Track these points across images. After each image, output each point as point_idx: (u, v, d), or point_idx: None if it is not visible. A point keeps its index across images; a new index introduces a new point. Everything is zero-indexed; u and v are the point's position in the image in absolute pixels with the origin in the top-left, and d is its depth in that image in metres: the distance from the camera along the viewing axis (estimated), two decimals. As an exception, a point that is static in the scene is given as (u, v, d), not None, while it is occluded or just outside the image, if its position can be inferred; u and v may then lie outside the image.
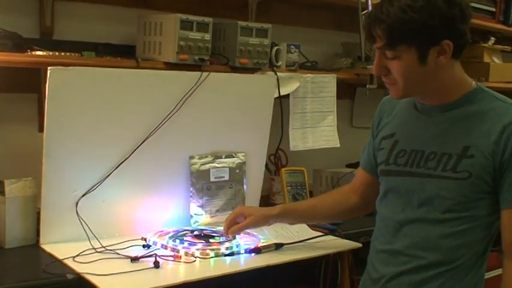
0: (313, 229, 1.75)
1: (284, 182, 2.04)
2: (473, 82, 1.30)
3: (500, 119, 1.23)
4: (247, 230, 1.62)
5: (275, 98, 1.98)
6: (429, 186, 1.26)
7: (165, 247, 1.54)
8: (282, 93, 2.05)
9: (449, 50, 1.21)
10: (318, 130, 2.20)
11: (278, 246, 1.59)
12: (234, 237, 1.59)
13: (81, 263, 1.41)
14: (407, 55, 1.20)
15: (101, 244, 1.53)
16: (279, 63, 2.05)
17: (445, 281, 1.25)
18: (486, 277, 1.31)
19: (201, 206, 1.82)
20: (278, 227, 1.71)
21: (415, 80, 1.23)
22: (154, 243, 1.57)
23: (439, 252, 1.26)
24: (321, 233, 1.69)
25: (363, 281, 1.39)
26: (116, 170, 1.64)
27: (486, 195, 1.24)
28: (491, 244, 1.29)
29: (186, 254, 1.48)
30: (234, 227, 1.56)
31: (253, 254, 1.54)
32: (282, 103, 2.10)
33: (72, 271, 1.35)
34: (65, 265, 1.40)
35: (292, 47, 2.10)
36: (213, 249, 1.53)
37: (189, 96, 1.72)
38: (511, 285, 1.23)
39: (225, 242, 1.58)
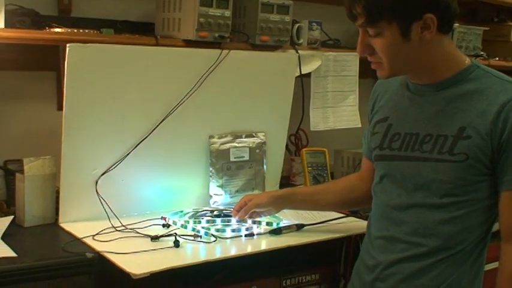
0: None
1: (305, 162, 2.03)
2: (467, 59, 1.25)
3: (497, 98, 1.17)
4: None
5: (296, 77, 1.96)
6: (425, 170, 1.22)
7: (184, 227, 1.54)
8: (303, 72, 2.04)
9: (433, 25, 1.16)
10: (339, 110, 2.19)
11: (299, 227, 1.58)
12: (244, 221, 1.59)
13: (100, 241, 1.41)
14: (389, 31, 1.16)
15: (120, 223, 1.54)
16: (301, 41, 2.02)
17: (445, 268, 1.22)
18: (487, 268, 1.27)
19: (221, 186, 1.82)
20: (300, 210, 1.71)
21: (400, 58, 1.19)
22: (174, 222, 1.57)
23: (438, 238, 1.22)
24: (342, 215, 1.68)
25: (356, 268, 1.36)
26: (135, 149, 1.64)
27: (485, 177, 1.20)
28: (492, 228, 1.25)
29: (206, 233, 1.48)
30: (241, 211, 1.57)
31: (273, 235, 1.53)
32: (303, 82, 2.09)
33: (91, 250, 1.35)
34: (84, 244, 1.40)
35: (314, 24, 2.07)
36: (233, 230, 1.53)
37: (209, 74, 1.71)
38: (508, 268, 1.19)
39: (245, 222, 1.59)
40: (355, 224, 1.66)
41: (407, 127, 1.27)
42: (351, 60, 2.17)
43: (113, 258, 1.30)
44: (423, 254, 1.23)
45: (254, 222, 1.59)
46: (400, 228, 1.26)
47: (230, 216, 1.63)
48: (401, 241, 1.26)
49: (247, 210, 1.56)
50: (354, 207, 1.63)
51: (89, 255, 1.32)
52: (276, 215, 1.64)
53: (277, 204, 1.57)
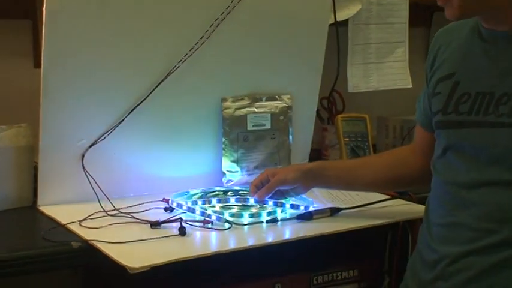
0: (377, 191, 1.74)
1: (340, 132, 2.02)
2: None
3: None
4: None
5: (330, 25, 1.95)
6: (502, 139, 1.21)
7: (192, 210, 1.54)
8: (338, 19, 2.03)
9: None
10: (384, 66, 2.18)
11: (334, 212, 1.58)
12: (264, 202, 1.59)
13: (89, 228, 1.42)
14: None
15: (113, 206, 1.55)
16: (335, -21, 2.01)
17: None
18: None
19: (236, 161, 1.82)
20: (334, 190, 1.71)
21: None
22: (179, 205, 1.57)
23: None
24: (387, 196, 1.67)
25: (412, 265, 1.36)
26: (130, 115, 1.64)
27: None
28: None
29: (219, 219, 1.48)
30: (262, 189, 1.57)
31: (302, 221, 1.53)
32: (338, 32, 2.07)
33: (78, 238, 1.36)
34: (69, 231, 1.41)
35: (352, -42, 2.06)
36: (251, 214, 1.53)
37: (221, 21, 1.70)
38: None
39: (266, 205, 1.59)
40: (404, 208, 1.65)
41: (479, 85, 1.26)
42: (399, 4, 2.15)
43: (105, 248, 1.30)
44: (498, 244, 1.21)
45: (278, 205, 1.59)
46: (469, 212, 1.24)
47: (247, 197, 1.64)
48: (470, 228, 1.24)
49: (269, 188, 1.57)
50: (402, 187, 1.63)
51: (74, 244, 1.33)
52: (305, 195, 1.64)
53: (307, 180, 1.57)
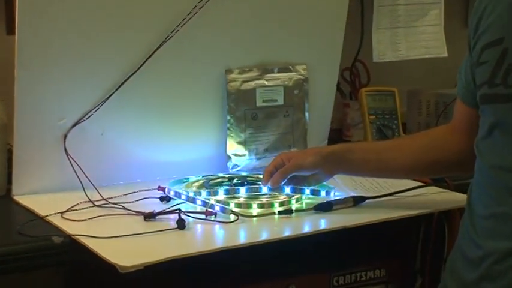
0: (408, 177, 1.74)
1: (365, 108, 2.03)
2: None
3: None
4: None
5: (352, -17, 1.95)
6: None
7: (192, 200, 1.54)
8: (362, -24, 2.04)
9: None
10: (415, 32, 2.18)
11: (358, 201, 1.58)
12: (279, 190, 1.59)
13: (72, 221, 1.42)
14: None
15: (100, 195, 1.55)
16: None
17: None
18: None
19: (243, 143, 1.83)
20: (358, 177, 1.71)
21: None
22: (177, 194, 1.57)
23: None
24: (420, 183, 1.67)
25: (452, 263, 1.36)
26: (119, 90, 1.64)
27: None
28: None
29: (223, 210, 1.48)
30: (275, 175, 1.57)
31: (321, 212, 1.53)
32: (362, -9, 2.09)
33: (60, 232, 1.36)
34: (50, 224, 1.41)
35: None
36: (261, 205, 1.53)
37: (225, -21, 1.71)
38: None
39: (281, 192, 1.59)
40: (440, 197, 1.65)
41: None
42: (433, -43, 2.15)
43: (91, 244, 1.30)
44: None
45: (296, 191, 1.59)
46: None
47: (257, 184, 1.64)
48: None
49: (284, 173, 1.56)
50: (438, 172, 1.62)
51: (56, 240, 1.33)
52: (325, 183, 1.64)
53: (328, 165, 1.57)
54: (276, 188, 1.58)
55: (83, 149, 1.63)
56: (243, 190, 1.62)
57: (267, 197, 1.59)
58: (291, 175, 1.57)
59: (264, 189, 1.60)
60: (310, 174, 1.59)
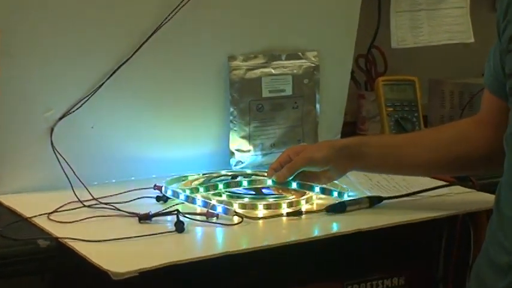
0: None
1: (382, 99, 2.03)
2: None
3: None
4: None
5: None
6: None
7: (191, 200, 1.54)
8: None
9: None
10: (438, 15, 2.19)
11: (374, 202, 1.58)
12: (286, 185, 1.59)
13: (60, 223, 1.43)
14: None
15: (91, 195, 1.56)
16: None
17: None
18: None
19: (247, 138, 1.83)
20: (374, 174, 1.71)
21: None
22: (175, 194, 1.57)
23: None
24: (443, 182, 1.67)
25: (478, 269, 1.35)
26: (111, 79, 1.64)
27: None
28: None
29: (226, 211, 1.48)
30: (282, 170, 1.57)
31: (333, 214, 1.53)
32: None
33: (46, 235, 1.36)
34: (35, 226, 1.42)
35: None
36: (267, 205, 1.53)
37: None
38: None
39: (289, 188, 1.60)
40: (464, 197, 1.65)
41: None
42: None
43: (80, 248, 1.31)
44: None
45: (304, 187, 1.59)
46: None
47: (263, 183, 1.63)
48: None
49: (292, 168, 1.56)
50: (463, 170, 1.62)
51: (42, 243, 1.33)
52: (337, 181, 1.64)
53: (342, 160, 1.57)
54: (282, 183, 1.58)
55: (72, 143, 1.63)
56: (244, 187, 1.62)
57: (273, 198, 1.59)
58: (299, 171, 1.57)
59: (269, 182, 1.60)
60: (321, 170, 1.58)
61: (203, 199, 1.53)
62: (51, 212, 1.47)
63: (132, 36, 1.65)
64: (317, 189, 1.59)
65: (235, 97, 1.81)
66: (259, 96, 1.83)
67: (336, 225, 1.48)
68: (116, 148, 1.70)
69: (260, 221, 1.49)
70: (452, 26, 2.20)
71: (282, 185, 1.59)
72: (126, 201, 1.55)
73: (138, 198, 1.58)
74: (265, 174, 1.65)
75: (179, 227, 1.40)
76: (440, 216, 1.56)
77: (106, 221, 1.46)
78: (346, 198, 1.59)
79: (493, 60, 1.41)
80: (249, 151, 1.84)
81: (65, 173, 1.60)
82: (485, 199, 1.62)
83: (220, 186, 1.60)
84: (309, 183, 1.59)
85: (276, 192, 1.61)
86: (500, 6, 1.37)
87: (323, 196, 1.61)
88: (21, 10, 1.54)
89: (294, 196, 1.59)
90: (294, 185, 1.59)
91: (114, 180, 1.69)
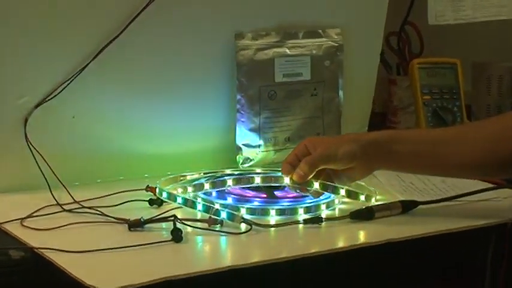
0: (473, 177, 1.74)
1: (417, 86, 2.03)
2: None
3: None
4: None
5: None
6: None
7: (191, 205, 1.54)
8: None
9: None
10: (483, -13, 2.18)
11: (407, 207, 1.58)
12: (306, 187, 1.58)
13: (35, 230, 1.43)
14: None
15: (72, 197, 1.56)
16: None
17: None
18: None
19: (257, 131, 1.84)
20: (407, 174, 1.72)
21: None
22: (171, 196, 1.57)
23: None
24: (490, 184, 1.68)
25: None
26: (96, 60, 1.64)
27: None
28: None
29: (231, 216, 1.48)
30: (301, 164, 1.56)
31: (358, 221, 1.53)
32: None
33: (19, 244, 1.37)
34: (6, 234, 1.42)
35: None
36: (281, 211, 1.53)
37: None
38: None
39: (303, 196, 1.60)
40: (514, 202, 1.66)
41: None
42: None
43: (60, 260, 1.31)
44: None
45: (327, 189, 1.59)
46: None
47: (276, 186, 1.63)
48: None
49: (310, 164, 1.55)
50: None
51: (14, 254, 1.33)
52: (362, 182, 1.64)
53: (368, 158, 1.57)
54: (299, 186, 1.58)
55: (49, 136, 1.64)
56: (253, 189, 1.62)
57: (288, 202, 1.59)
58: (319, 167, 1.56)
59: (286, 180, 1.59)
60: (344, 168, 1.58)
61: (205, 203, 1.53)
62: (25, 217, 1.47)
63: (120, 11, 1.65)
64: (342, 191, 1.58)
65: (243, 82, 1.81)
66: (272, 81, 1.84)
67: (362, 235, 1.49)
68: (101, 142, 1.71)
69: (272, 230, 1.48)
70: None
71: (303, 185, 1.58)
72: (114, 205, 1.55)
73: (128, 201, 1.58)
74: (279, 173, 1.64)
75: (176, 235, 1.40)
76: (486, 224, 1.56)
77: (90, 229, 1.46)
78: (373, 202, 1.59)
79: None
80: (259, 146, 1.84)
81: (41, 171, 1.61)
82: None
83: (229, 182, 1.60)
84: (333, 184, 1.58)
85: (295, 193, 1.61)
86: None
87: (347, 200, 1.61)
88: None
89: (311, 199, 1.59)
90: (316, 185, 1.58)
91: (99, 180, 1.70)
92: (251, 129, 1.83)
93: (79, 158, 1.68)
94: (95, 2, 1.64)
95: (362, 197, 1.59)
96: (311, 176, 1.56)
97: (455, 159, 1.56)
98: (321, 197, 1.59)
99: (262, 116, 1.83)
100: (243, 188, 1.63)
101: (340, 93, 1.90)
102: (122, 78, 1.70)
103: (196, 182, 1.66)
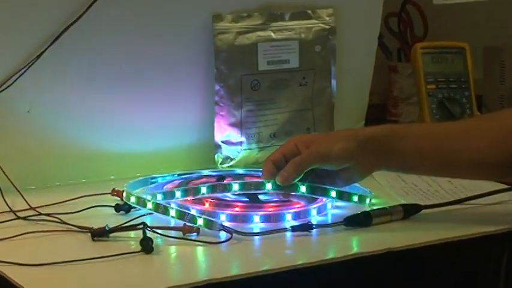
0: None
1: (421, 74, 2.04)
2: None
3: None
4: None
5: None
6: None
7: (163, 210, 1.54)
8: None
9: None
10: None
11: (409, 212, 1.59)
12: (291, 189, 1.59)
13: (-16, 241, 1.44)
14: None
15: (27, 203, 1.57)
16: None
17: None
18: None
19: (239, 126, 1.85)
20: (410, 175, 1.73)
21: None
22: (141, 201, 1.57)
23: None
24: (503, 186, 1.68)
25: None
26: (54, 46, 1.65)
27: None
28: None
29: (208, 223, 1.49)
30: (287, 167, 1.56)
31: (354, 227, 1.54)
32: None
33: (-35, 258, 1.37)
34: (-50, 246, 1.43)
35: None
36: (265, 217, 1.54)
37: None
38: None
39: (291, 201, 1.60)
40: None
41: None
42: None
43: (14, 275, 1.30)
44: None
45: (316, 192, 1.59)
46: None
47: (258, 187, 1.62)
48: None
49: (299, 164, 1.56)
50: None
51: (-40, 269, 1.34)
52: (359, 184, 1.65)
53: (366, 156, 1.57)
54: (287, 187, 1.58)
55: (0, 133, 1.65)
56: (234, 191, 1.61)
57: (274, 206, 1.59)
58: (309, 168, 1.57)
59: (268, 186, 1.59)
60: (339, 169, 1.59)
61: (179, 208, 1.54)
62: (-27, 227, 1.48)
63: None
64: (333, 194, 1.59)
65: (222, 71, 1.82)
66: (255, 70, 1.85)
67: (357, 243, 1.50)
68: (60, 140, 1.72)
69: (256, 238, 1.49)
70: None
71: (286, 189, 1.59)
72: (75, 212, 1.56)
73: (91, 207, 1.58)
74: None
75: (146, 245, 1.40)
76: (499, 231, 1.56)
77: (48, 238, 1.46)
78: (371, 206, 1.60)
79: None
80: (240, 144, 1.85)
81: (-8, 174, 1.61)
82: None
83: (203, 189, 1.60)
84: (322, 185, 1.59)
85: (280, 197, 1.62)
86: None
87: (341, 204, 1.62)
88: None
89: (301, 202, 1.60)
90: (303, 189, 1.58)
91: (58, 184, 1.70)
92: (231, 124, 1.84)
93: (34, 157, 1.69)
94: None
95: (355, 198, 1.60)
96: (297, 178, 1.57)
97: (466, 156, 1.56)
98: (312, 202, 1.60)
99: (244, 109, 1.84)
100: (223, 190, 1.64)
101: (333, 82, 1.91)
102: (83, 67, 1.71)
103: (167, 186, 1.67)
